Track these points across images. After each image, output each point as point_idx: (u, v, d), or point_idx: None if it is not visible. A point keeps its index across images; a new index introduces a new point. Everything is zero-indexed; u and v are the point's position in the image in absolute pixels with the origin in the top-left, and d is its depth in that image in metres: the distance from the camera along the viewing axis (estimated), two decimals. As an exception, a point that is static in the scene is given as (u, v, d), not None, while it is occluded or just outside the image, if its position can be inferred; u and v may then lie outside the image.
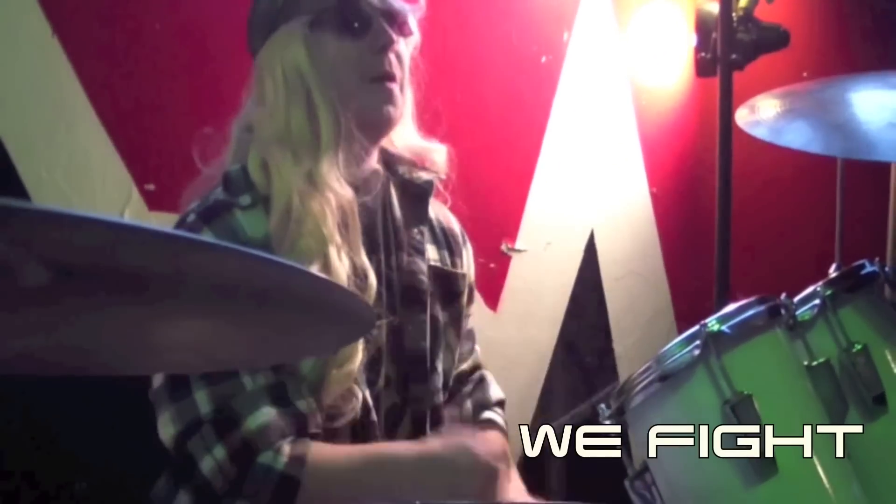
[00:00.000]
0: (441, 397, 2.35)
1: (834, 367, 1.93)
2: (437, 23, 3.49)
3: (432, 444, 2.17)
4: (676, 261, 4.17)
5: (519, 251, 3.78)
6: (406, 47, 2.29)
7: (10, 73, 2.88)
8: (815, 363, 1.91)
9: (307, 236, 2.11)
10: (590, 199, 3.95)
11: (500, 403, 2.56)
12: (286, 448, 2.04)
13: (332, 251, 2.12)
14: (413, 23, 2.31)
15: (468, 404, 2.49)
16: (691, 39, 4.10)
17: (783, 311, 1.90)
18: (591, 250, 3.96)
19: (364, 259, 2.18)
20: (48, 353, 1.28)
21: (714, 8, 3.89)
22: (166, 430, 2.11)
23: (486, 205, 3.65)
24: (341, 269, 2.11)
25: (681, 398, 1.85)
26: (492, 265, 3.69)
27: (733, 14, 3.82)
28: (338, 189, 2.16)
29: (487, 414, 2.49)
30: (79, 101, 2.95)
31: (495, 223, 3.73)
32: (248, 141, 2.25)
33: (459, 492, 2.06)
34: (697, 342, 1.82)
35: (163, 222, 2.78)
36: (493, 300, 3.69)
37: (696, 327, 1.84)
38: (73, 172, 2.96)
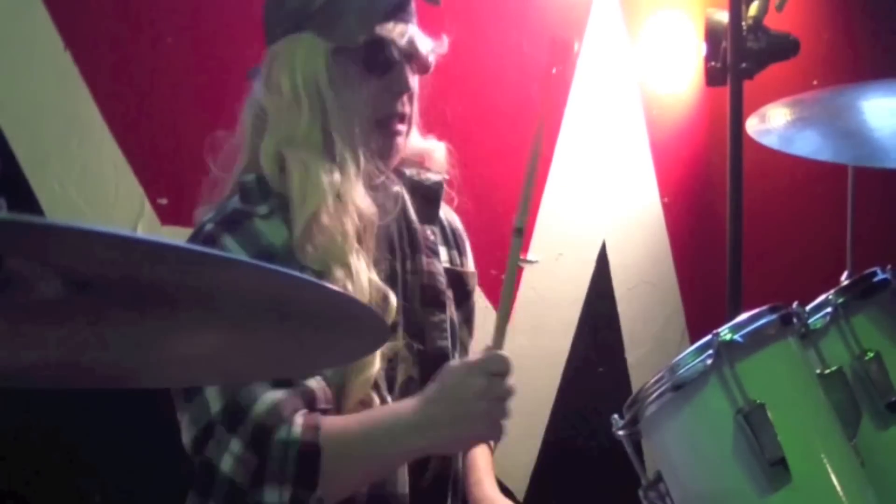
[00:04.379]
0: None
1: (846, 374, 1.93)
2: (448, 32, 3.51)
3: (430, 391, 2.10)
4: (688, 269, 4.16)
5: (531, 262, 3.78)
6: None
7: (22, 87, 2.90)
8: (827, 371, 1.91)
9: (332, 246, 2.12)
10: (601, 209, 3.94)
11: None
12: (299, 419, 2.04)
13: (354, 262, 2.13)
14: (432, 59, 2.31)
15: None
16: (701, 48, 4.09)
17: (795, 320, 1.90)
18: (602, 260, 3.95)
19: (377, 282, 2.19)
20: (64, 366, 1.29)
21: (723, 17, 3.87)
22: (186, 437, 2.13)
23: (497, 216, 3.64)
24: (364, 280, 2.13)
25: (694, 407, 1.85)
26: (503, 276, 3.68)
27: (743, 23, 3.81)
28: (361, 204, 2.18)
29: None
30: (91, 115, 2.97)
31: (507, 234, 3.71)
32: (261, 126, 2.25)
33: (463, 432, 2.08)
34: (710, 351, 1.82)
35: (175, 236, 2.79)
36: None
37: (709, 336, 1.84)
38: (86, 186, 2.98)
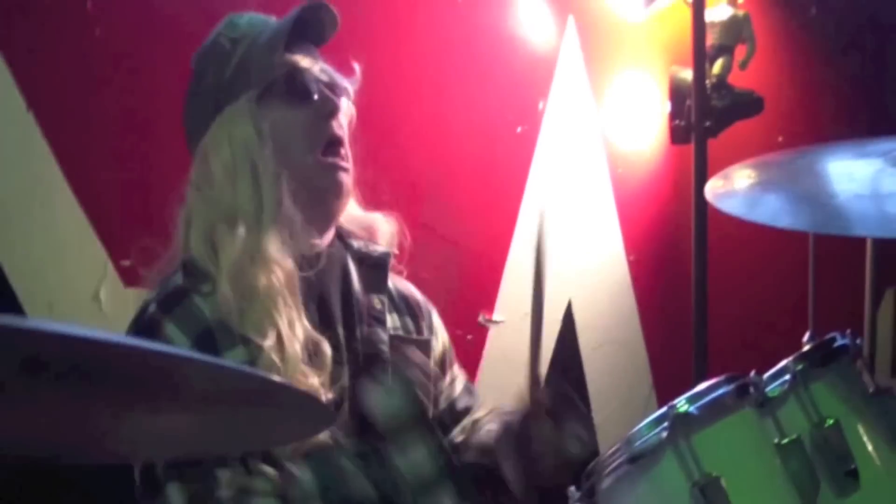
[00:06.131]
0: None
1: (805, 443, 1.91)
2: (412, 91, 3.51)
3: None
4: (655, 328, 4.16)
5: (496, 322, 3.76)
6: (345, 118, 2.35)
7: (-16, 149, 2.88)
8: (784, 441, 1.89)
9: (257, 312, 2.13)
10: (567, 268, 3.91)
11: None
12: None
13: (283, 325, 2.14)
14: (350, 92, 2.37)
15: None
16: (665, 107, 4.10)
17: (752, 389, 1.89)
18: (568, 320, 3.92)
19: (310, 330, 2.20)
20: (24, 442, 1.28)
21: (688, 75, 3.90)
22: None
23: (462, 275, 3.66)
24: (295, 342, 2.14)
25: (650, 480, 1.84)
26: (469, 337, 3.67)
27: (707, 81, 3.84)
28: (280, 261, 2.18)
29: None
30: (53, 175, 2.95)
31: (472, 294, 3.72)
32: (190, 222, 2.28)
33: None
34: (665, 423, 1.82)
35: (139, 299, 2.75)
36: (471, 372, 3.57)
37: (664, 408, 1.83)
38: (48, 247, 2.95)
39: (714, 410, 1.85)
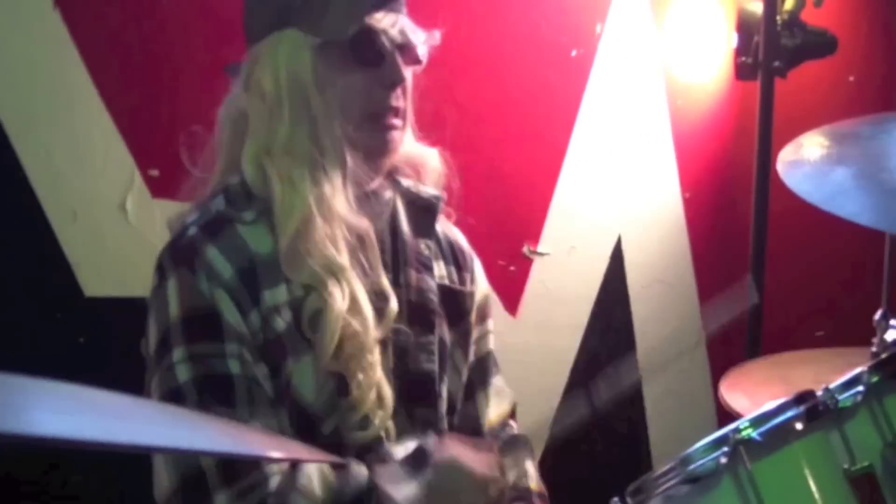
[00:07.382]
0: (446, 424, 2.21)
1: (876, 469, 1.75)
2: (463, 11, 3.36)
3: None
4: (707, 270, 4.06)
5: (541, 254, 3.67)
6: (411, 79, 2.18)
7: (8, 47, 2.80)
8: (854, 468, 1.74)
9: (317, 264, 2.00)
10: (618, 202, 3.83)
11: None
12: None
13: (346, 277, 2.01)
14: (424, 52, 2.16)
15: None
16: (732, 37, 3.94)
17: (821, 408, 1.73)
18: (617, 256, 3.85)
19: (384, 281, 2.08)
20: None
21: (757, 8, 3.73)
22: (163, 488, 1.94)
23: (508, 205, 3.57)
24: (359, 294, 2.02)
25: (704, 507, 1.72)
26: (512, 268, 3.60)
27: (778, 17, 3.66)
28: (348, 215, 2.04)
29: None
30: (80, 78, 2.86)
31: (517, 224, 3.63)
32: (241, 129, 2.11)
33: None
34: (725, 448, 1.68)
35: (166, 210, 2.67)
36: (512, 305, 3.60)
37: (725, 430, 1.71)
38: (74, 155, 2.88)
39: (778, 436, 1.71)
